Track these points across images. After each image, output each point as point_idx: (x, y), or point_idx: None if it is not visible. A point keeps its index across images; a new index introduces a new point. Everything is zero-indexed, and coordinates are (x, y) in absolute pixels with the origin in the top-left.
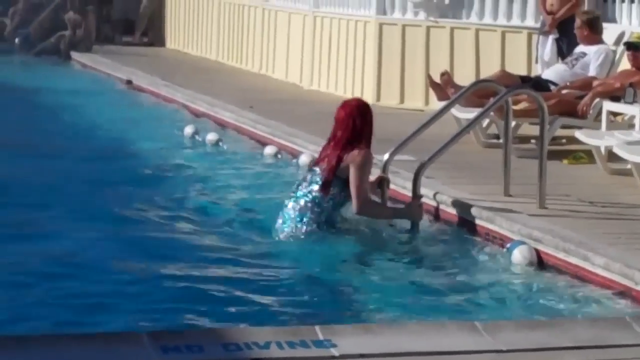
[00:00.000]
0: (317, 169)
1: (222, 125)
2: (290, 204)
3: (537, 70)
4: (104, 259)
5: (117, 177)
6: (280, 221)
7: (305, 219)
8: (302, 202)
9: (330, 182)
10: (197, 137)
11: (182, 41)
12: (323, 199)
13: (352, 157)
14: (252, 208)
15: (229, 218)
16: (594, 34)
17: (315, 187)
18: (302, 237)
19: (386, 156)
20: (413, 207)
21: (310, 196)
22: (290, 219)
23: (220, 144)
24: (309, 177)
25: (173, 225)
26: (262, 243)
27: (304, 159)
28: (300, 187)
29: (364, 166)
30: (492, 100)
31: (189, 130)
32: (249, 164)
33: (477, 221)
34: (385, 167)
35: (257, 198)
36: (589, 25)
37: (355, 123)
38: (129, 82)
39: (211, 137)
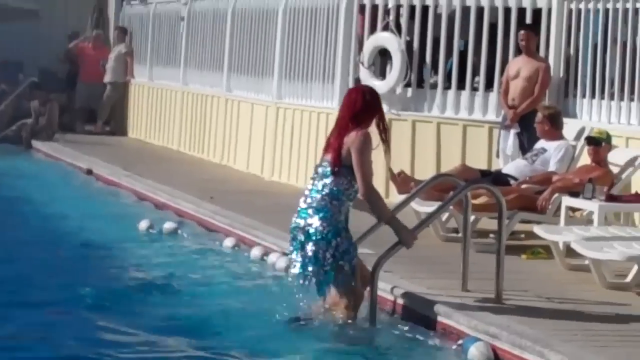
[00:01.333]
0: (325, 162)
1: (181, 216)
2: (304, 204)
3: (498, 164)
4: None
5: (73, 268)
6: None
7: (322, 214)
8: (318, 197)
9: (339, 170)
10: (151, 230)
11: (145, 131)
12: (340, 191)
13: (351, 140)
14: (210, 302)
15: (186, 311)
16: (555, 129)
17: (329, 180)
18: (324, 234)
19: None
20: (408, 233)
21: (326, 189)
22: (306, 216)
23: (179, 231)
24: (320, 170)
25: (128, 319)
26: (221, 344)
27: (256, 252)
28: (314, 184)
29: (364, 147)
30: (451, 194)
31: (144, 223)
32: (207, 255)
33: (435, 316)
34: None
35: (215, 291)
36: (550, 120)
37: (356, 105)
38: (90, 172)
39: (168, 226)
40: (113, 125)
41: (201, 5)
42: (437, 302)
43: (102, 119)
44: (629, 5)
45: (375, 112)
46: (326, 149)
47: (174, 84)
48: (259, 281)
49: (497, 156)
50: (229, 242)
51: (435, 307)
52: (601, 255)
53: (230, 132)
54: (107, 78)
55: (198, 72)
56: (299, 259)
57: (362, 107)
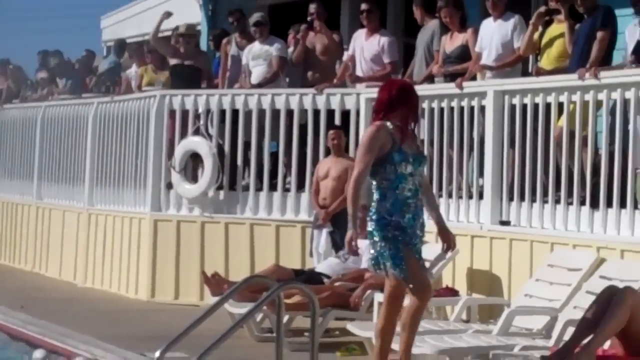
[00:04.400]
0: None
1: None
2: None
3: (312, 263)
4: None
5: None
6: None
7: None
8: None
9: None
10: None
11: None
12: (391, 180)
13: None
14: None
15: None
16: (366, 227)
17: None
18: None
19: (157, 354)
20: (355, 233)
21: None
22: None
23: None
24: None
25: None
26: None
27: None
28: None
29: (365, 137)
30: (264, 294)
31: None
32: None
33: None
34: None
35: None
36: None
37: (383, 97)
38: None
39: None
40: None
41: (9, 114)
42: None
43: None
44: (444, 105)
45: (403, 104)
46: None
47: None
48: None
49: (311, 255)
50: (39, 354)
51: None
52: (413, 349)
53: (41, 240)
54: None
55: (8, 180)
56: None
57: (388, 99)
